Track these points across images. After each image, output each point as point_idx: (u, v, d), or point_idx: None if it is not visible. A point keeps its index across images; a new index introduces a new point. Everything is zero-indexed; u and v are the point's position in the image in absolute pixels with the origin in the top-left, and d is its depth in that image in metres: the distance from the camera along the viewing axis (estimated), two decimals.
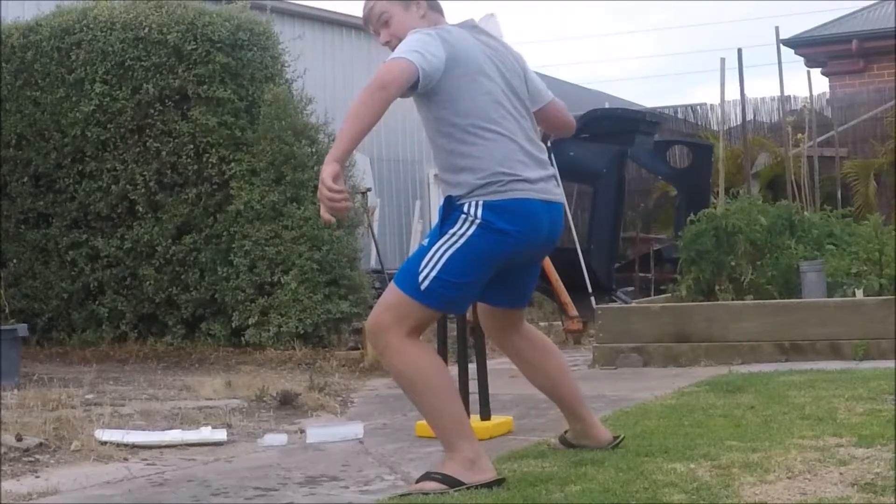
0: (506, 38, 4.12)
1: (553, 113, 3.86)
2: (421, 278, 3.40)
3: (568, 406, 3.93)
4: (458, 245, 3.40)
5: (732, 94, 12.11)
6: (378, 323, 3.45)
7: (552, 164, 3.91)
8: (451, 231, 3.42)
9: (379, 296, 3.66)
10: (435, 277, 3.39)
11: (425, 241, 3.50)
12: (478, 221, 3.40)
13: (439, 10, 3.73)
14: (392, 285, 3.48)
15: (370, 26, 3.74)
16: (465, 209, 3.42)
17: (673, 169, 12.71)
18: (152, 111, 8.54)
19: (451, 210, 3.46)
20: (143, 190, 8.58)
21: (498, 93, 3.51)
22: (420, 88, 3.41)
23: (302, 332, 8.00)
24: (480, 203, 3.41)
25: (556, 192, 3.60)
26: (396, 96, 3.35)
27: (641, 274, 11.43)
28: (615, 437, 3.91)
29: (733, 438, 3.94)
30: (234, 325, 8.32)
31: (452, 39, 3.48)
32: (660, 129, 12.90)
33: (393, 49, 3.50)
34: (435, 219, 3.60)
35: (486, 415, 4.59)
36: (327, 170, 3.23)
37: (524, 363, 3.92)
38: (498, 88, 3.51)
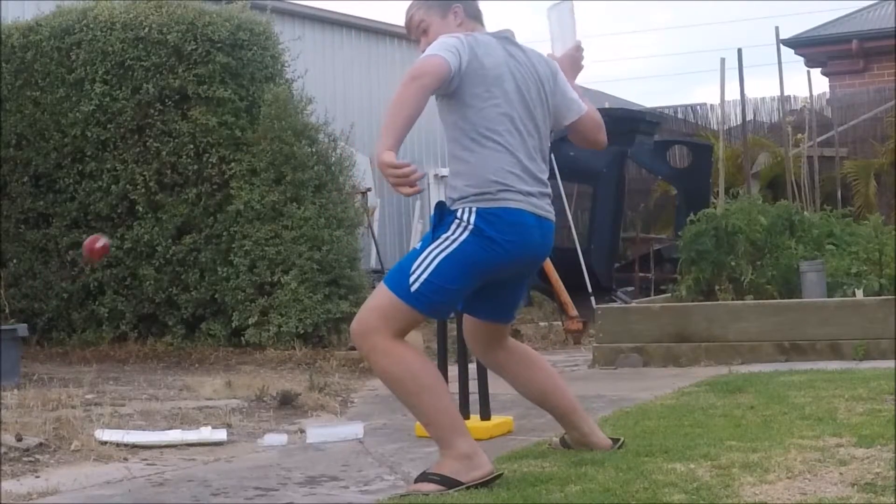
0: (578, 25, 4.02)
1: (582, 128, 3.82)
2: (412, 280, 3.39)
3: (562, 416, 3.91)
4: (450, 249, 3.40)
5: (732, 94, 12.15)
6: (364, 325, 3.44)
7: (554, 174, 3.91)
8: (445, 235, 3.43)
9: None
10: (426, 280, 3.38)
11: (418, 245, 3.50)
12: (471, 227, 3.40)
13: (477, 18, 3.75)
14: (381, 286, 3.48)
15: (411, 34, 3.77)
16: (459, 214, 3.43)
17: (673, 169, 12.71)
18: (152, 111, 8.53)
19: (444, 215, 3.47)
20: (143, 190, 8.57)
21: (509, 107, 3.50)
22: (441, 89, 3.42)
23: (302, 332, 7.99)
24: (474, 210, 3.42)
25: (548, 209, 3.59)
26: (433, 87, 3.35)
27: (641, 274, 11.43)
28: (615, 442, 3.88)
29: (733, 438, 3.93)
30: (234, 325, 8.31)
31: (478, 48, 3.49)
32: (660, 129, 12.91)
33: None
34: None
35: (486, 415, 4.59)
36: (382, 158, 3.20)
37: (511, 377, 3.91)
38: (510, 103, 3.51)
